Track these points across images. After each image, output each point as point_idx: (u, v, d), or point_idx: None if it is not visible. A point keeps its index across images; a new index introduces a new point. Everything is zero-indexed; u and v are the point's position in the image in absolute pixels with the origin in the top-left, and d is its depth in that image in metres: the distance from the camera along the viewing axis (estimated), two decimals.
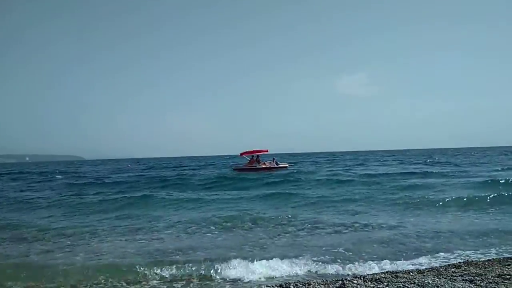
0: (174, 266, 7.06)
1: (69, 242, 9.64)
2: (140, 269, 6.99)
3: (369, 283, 5.53)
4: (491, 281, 5.29)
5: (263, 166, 36.63)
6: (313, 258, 7.50)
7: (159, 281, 6.66)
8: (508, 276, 5.43)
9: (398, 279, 5.64)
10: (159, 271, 6.92)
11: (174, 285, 6.50)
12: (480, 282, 5.24)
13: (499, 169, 30.87)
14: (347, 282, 5.63)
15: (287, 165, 39.26)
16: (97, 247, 9.12)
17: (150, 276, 6.80)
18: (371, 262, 7.24)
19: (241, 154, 37.70)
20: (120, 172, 47.63)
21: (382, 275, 5.91)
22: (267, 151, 37.70)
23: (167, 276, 6.81)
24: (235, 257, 7.44)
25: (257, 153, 37.19)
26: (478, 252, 7.74)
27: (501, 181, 19.60)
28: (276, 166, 37.42)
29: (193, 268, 7.00)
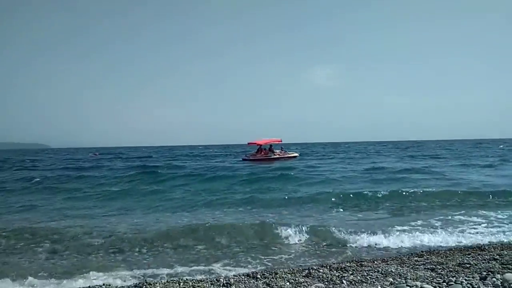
0: None
1: None
2: None
3: (335, 271, 5.58)
4: (451, 269, 5.44)
5: (277, 156, 36.21)
6: None
7: None
8: (468, 265, 5.60)
9: (363, 267, 5.72)
10: None
11: None
12: (441, 271, 5.38)
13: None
14: (313, 271, 5.67)
15: (297, 155, 39.05)
16: None
17: None
18: None
19: (249, 143, 37.21)
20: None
21: (348, 264, 5.99)
22: (280, 140, 37.45)
23: None
24: None
25: (270, 143, 36.65)
26: None
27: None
28: (288, 155, 37.24)
29: None
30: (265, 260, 6.96)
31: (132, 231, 8.96)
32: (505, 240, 7.80)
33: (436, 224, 9.51)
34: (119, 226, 9.62)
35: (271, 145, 36.80)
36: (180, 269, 6.56)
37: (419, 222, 9.70)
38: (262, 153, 36.16)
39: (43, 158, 58.55)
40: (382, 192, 14.17)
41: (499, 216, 10.30)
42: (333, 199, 13.48)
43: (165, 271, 6.43)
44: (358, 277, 5.22)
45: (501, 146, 65.35)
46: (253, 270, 6.33)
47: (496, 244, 7.36)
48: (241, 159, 38.60)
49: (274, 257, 7.15)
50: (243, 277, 5.75)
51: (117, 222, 10.37)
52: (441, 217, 10.32)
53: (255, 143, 36.71)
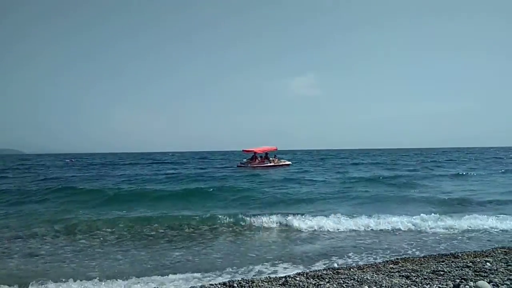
0: None
1: None
2: None
3: (311, 279, 5.56)
4: (426, 277, 5.49)
5: (272, 163, 36.84)
6: None
7: None
8: (442, 272, 5.67)
9: (339, 275, 5.73)
10: None
11: None
12: (416, 278, 5.43)
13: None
14: (290, 279, 5.64)
15: (289, 163, 39.50)
16: None
17: None
18: None
19: (244, 151, 37.65)
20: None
21: (324, 272, 5.98)
22: (275, 148, 38.37)
23: None
24: None
25: (266, 151, 37.37)
26: None
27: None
28: (281, 163, 37.80)
29: None
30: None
31: None
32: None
33: None
34: None
35: (266, 153, 37.49)
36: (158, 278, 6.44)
37: None
38: (256, 161, 36.73)
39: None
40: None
41: None
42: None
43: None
44: (334, 285, 5.21)
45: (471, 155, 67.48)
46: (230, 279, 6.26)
47: (469, 252, 7.50)
48: (235, 166, 39.20)
49: None
50: (219, 285, 5.68)
51: None
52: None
53: (251, 150, 37.21)
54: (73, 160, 71.61)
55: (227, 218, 11.24)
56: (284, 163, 38.24)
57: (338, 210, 12.15)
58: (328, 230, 10.16)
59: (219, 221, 11.12)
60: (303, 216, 11.22)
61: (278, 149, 39.14)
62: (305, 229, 10.28)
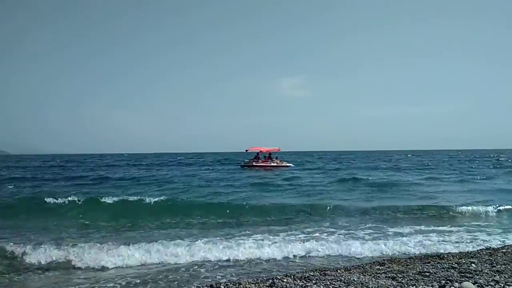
0: None
1: None
2: None
3: (299, 281, 5.55)
4: (411, 278, 5.52)
5: (275, 164, 37.62)
6: None
7: None
8: (427, 274, 5.71)
9: (326, 276, 5.73)
10: None
11: None
12: (402, 279, 5.45)
13: None
14: (277, 280, 5.61)
15: (290, 164, 40.02)
16: None
17: None
18: None
19: (248, 150, 38.17)
20: None
21: (311, 273, 5.98)
22: (278, 149, 39.19)
23: None
24: None
25: (270, 151, 38.24)
26: None
27: None
28: (283, 165, 38.48)
29: None
30: None
31: None
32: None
33: None
34: None
35: (270, 154, 38.28)
36: None
37: None
38: (260, 160, 37.60)
39: None
40: None
41: None
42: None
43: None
44: (322, 287, 5.21)
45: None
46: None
47: (454, 253, 7.57)
48: (239, 166, 39.99)
49: None
50: (206, 287, 5.65)
51: None
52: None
53: (257, 149, 37.96)
54: (58, 161, 70.72)
55: None
56: (285, 165, 38.92)
57: None
58: None
59: None
60: None
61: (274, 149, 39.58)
62: None
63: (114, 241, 9.09)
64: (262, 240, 9.25)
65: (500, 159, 57.48)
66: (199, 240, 8.99)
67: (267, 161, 37.54)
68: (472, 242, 9.01)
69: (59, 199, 14.89)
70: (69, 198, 14.94)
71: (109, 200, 14.87)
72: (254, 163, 37.43)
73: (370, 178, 24.77)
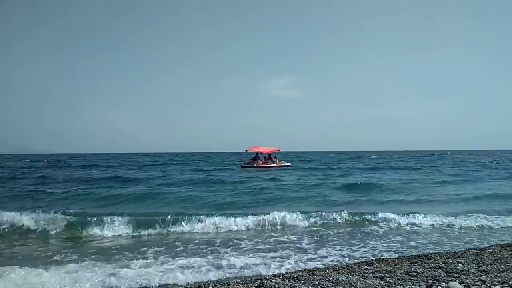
0: None
1: None
2: None
3: (287, 281, 5.55)
4: (399, 278, 5.56)
5: (275, 164, 38.09)
6: None
7: None
8: (415, 273, 5.75)
9: (315, 276, 5.74)
10: None
11: None
12: (390, 279, 5.48)
13: None
14: (265, 281, 5.61)
15: (289, 164, 40.43)
16: None
17: None
18: None
19: (248, 150, 38.18)
20: None
21: (300, 273, 5.99)
22: (278, 150, 39.74)
23: None
24: None
25: (270, 152, 38.59)
26: None
27: None
28: (282, 165, 39.06)
29: None
30: None
31: None
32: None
33: None
34: None
35: (270, 154, 38.69)
36: None
37: None
38: (259, 161, 37.79)
39: None
40: None
41: None
42: None
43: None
44: (310, 287, 5.22)
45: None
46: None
47: (441, 253, 7.64)
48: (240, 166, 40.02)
49: None
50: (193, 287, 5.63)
51: None
52: None
53: (257, 149, 38.16)
54: (45, 160, 70.12)
55: None
56: (285, 164, 39.48)
57: None
58: None
59: None
60: None
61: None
62: None
63: None
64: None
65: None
66: None
67: (267, 162, 37.88)
68: None
69: None
70: None
71: None
72: (255, 164, 37.48)
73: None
